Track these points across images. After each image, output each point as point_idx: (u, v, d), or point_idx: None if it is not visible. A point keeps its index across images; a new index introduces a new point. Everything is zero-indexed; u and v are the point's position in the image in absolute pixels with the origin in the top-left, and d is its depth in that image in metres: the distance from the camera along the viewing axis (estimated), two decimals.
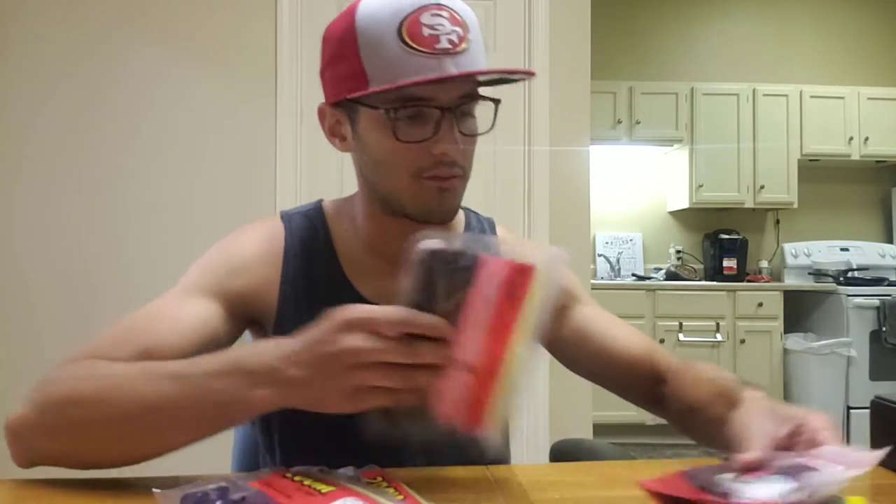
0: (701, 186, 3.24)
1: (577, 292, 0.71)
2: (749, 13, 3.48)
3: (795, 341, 2.94)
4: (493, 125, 0.62)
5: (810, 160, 3.28)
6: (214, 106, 1.83)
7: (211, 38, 1.84)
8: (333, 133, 0.63)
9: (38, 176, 1.80)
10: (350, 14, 0.58)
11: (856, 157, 3.27)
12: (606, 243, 3.42)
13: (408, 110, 0.57)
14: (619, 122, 3.24)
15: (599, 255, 3.38)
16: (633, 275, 3.32)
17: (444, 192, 0.60)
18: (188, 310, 0.59)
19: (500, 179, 1.91)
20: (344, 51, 0.57)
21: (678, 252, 3.41)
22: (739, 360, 2.96)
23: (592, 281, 2.89)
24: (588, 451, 0.74)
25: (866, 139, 3.25)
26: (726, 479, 0.43)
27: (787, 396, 2.98)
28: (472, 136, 0.61)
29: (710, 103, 3.24)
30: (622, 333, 0.70)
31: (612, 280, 3.26)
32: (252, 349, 0.47)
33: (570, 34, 1.91)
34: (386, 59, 0.55)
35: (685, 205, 3.30)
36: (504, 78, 0.60)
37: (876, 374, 2.83)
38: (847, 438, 2.85)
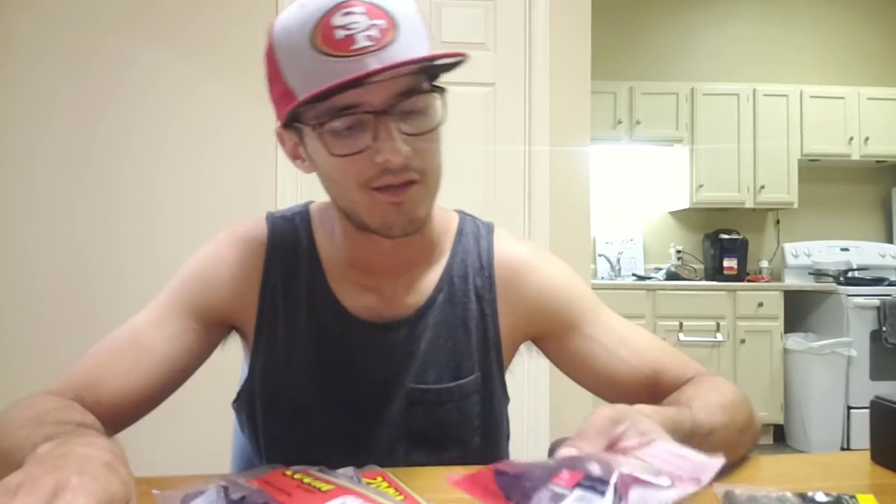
0: (701, 186, 3.23)
1: (583, 306, 0.64)
2: (749, 13, 3.48)
3: (796, 341, 2.94)
4: (441, 119, 0.56)
5: (810, 160, 3.28)
6: (215, 106, 1.83)
7: (212, 38, 1.84)
8: (294, 155, 0.60)
9: (39, 176, 1.80)
10: (269, 32, 0.54)
11: (856, 157, 3.27)
12: (607, 243, 3.42)
13: (339, 121, 0.52)
14: (620, 122, 3.23)
15: (600, 255, 3.38)
16: (634, 275, 3.32)
17: (401, 205, 0.55)
18: (160, 329, 0.59)
19: (501, 179, 1.91)
20: (271, 72, 0.55)
21: (678, 252, 3.41)
22: (739, 360, 2.96)
23: (593, 281, 2.89)
24: None
25: (866, 139, 3.25)
26: (535, 484, 0.36)
27: (788, 396, 2.98)
28: (418, 135, 0.54)
29: (711, 103, 3.23)
30: (629, 352, 0.63)
31: (612, 280, 3.26)
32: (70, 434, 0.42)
33: (570, 34, 1.91)
34: (305, 72, 0.52)
35: (685, 205, 3.30)
36: (446, 64, 0.54)
37: (876, 373, 2.83)
38: (847, 438, 2.85)
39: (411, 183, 0.55)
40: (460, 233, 0.67)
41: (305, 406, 0.62)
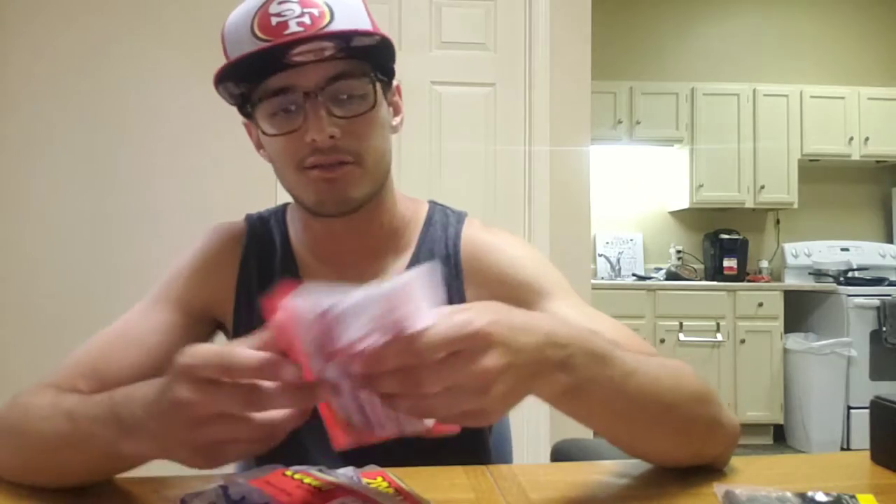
0: (701, 186, 3.24)
1: (545, 288, 0.62)
2: (749, 13, 3.48)
3: (796, 341, 2.94)
4: (374, 103, 0.57)
5: (810, 160, 3.28)
6: (216, 106, 1.82)
7: (212, 38, 1.84)
8: (257, 145, 0.64)
9: (39, 175, 1.80)
10: (223, 26, 0.59)
11: (856, 157, 3.27)
12: (607, 243, 3.42)
13: (270, 103, 0.56)
14: (620, 122, 3.24)
15: (600, 255, 3.38)
16: (634, 275, 3.32)
17: (332, 182, 0.56)
18: (148, 323, 0.60)
19: (501, 179, 1.91)
20: (222, 69, 0.57)
21: (678, 252, 3.41)
22: (740, 360, 2.96)
23: (593, 281, 2.89)
24: (588, 450, 0.73)
25: (866, 139, 3.25)
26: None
27: (788, 396, 2.98)
28: (348, 118, 0.56)
29: (711, 103, 3.23)
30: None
31: (612, 280, 3.26)
32: (129, 389, 0.42)
33: (570, 34, 1.91)
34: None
35: (685, 205, 3.30)
36: (380, 49, 0.56)
37: (876, 373, 2.83)
38: (847, 438, 2.85)
39: (344, 164, 0.56)
40: (428, 222, 0.67)
41: None
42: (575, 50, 1.91)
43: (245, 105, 0.59)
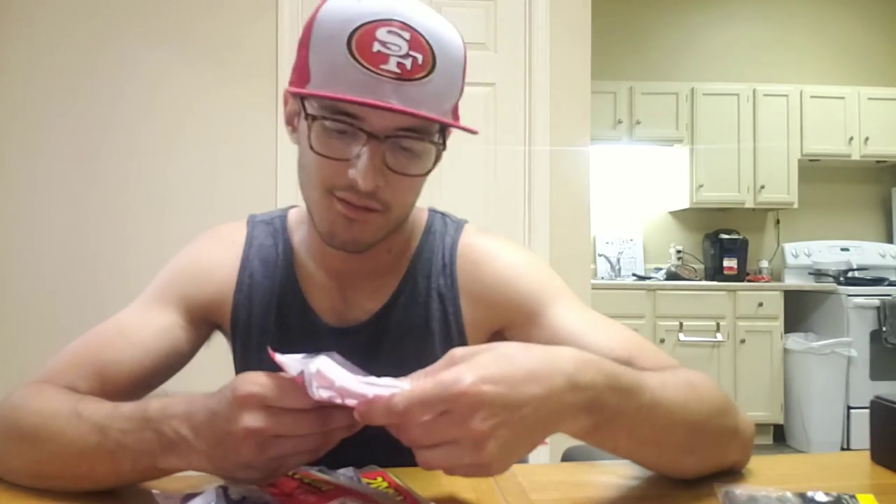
0: (701, 186, 3.23)
1: (544, 295, 0.60)
2: (749, 13, 3.48)
3: (796, 341, 2.94)
4: (429, 170, 0.55)
5: (810, 160, 3.28)
6: (215, 106, 1.83)
7: (212, 38, 1.84)
8: (289, 121, 0.60)
9: (44, 176, 1.80)
10: (318, 6, 0.54)
11: (856, 157, 3.26)
12: (607, 243, 3.42)
13: (334, 123, 0.52)
14: (620, 122, 3.23)
15: (600, 255, 3.38)
16: (634, 275, 3.32)
17: (353, 222, 0.54)
18: (147, 322, 0.59)
19: (501, 179, 1.91)
20: (303, 41, 0.54)
21: (678, 252, 3.41)
22: (740, 360, 2.96)
23: (593, 281, 2.89)
24: (599, 457, 0.73)
25: (866, 139, 3.24)
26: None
27: (788, 396, 2.97)
28: (400, 174, 0.53)
29: (711, 103, 3.23)
30: (599, 338, 0.57)
31: (612, 280, 3.26)
32: (163, 405, 0.43)
33: (570, 34, 1.91)
34: (328, 63, 0.51)
35: (685, 205, 3.30)
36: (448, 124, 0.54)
37: (876, 373, 2.83)
38: (847, 438, 2.85)
39: (370, 210, 0.54)
40: (427, 231, 0.66)
41: None
42: (575, 50, 1.91)
43: (304, 98, 0.55)
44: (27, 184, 1.80)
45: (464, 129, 0.53)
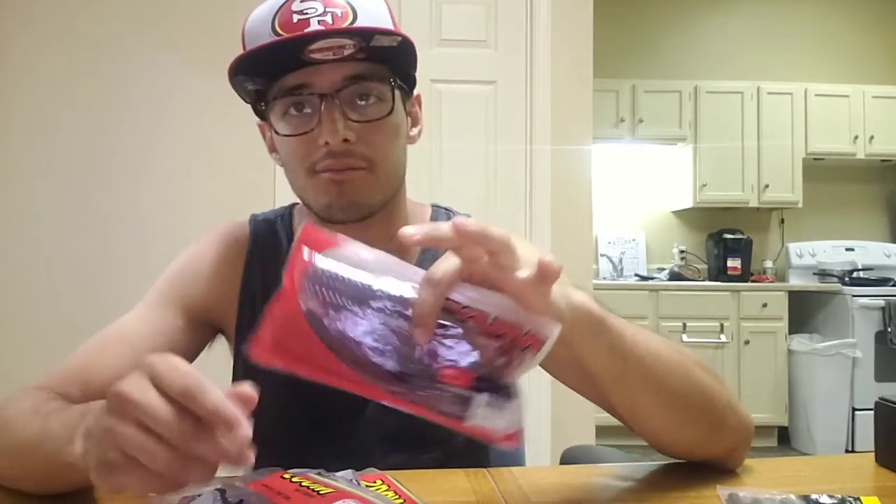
0: (705, 185, 3.22)
1: None
2: (753, 11, 3.46)
3: (800, 342, 2.93)
4: (391, 109, 0.56)
5: (815, 159, 3.26)
6: (215, 107, 1.83)
7: (211, 38, 1.85)
8: (271, 148, 0.62)
9: (42, 177, 1.81)
10: (244, 23, 0.58)
11: (861, 155, 3.25)
12: (609, 243, 3.41)
13: (284, 101, 0.55)
14: (622, 120, 3.22)
15: (602, 255, 3.37)
16: (636, 275, 3.31)
17: (342, 185, 0.55)
18: (146, 326, 0.59)
19: (502, 179, 1.90)
20: (237, 64, 0.56)
21: (682, 252, 3.39)
22: (744, 360, 2.95)
23: (595, 281, 2.88)
24: (597, 457, 0.72)
25: (871, 138, 3.23)
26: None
27: (792, 398, 2.96)
28: (363, 122, 0.55)
29: (714, 101, 3.22)
30: None
31: (614, 280, 3.25)
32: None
33: (572, 31, 1.90)
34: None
35: (689, 204, 3.29)
36: (399, 54, 0.54)
37: (881, 374, 2.81)
38: (852, 440, 2.83)
39: (355, 169, 0.55)
40: None
41: (281, 408, 0.61)
42: (577, 47, 1.90)
43: (259, 103, 0.58)
44: (30, 186, 1.81)
45: (386, 31, 0.53)
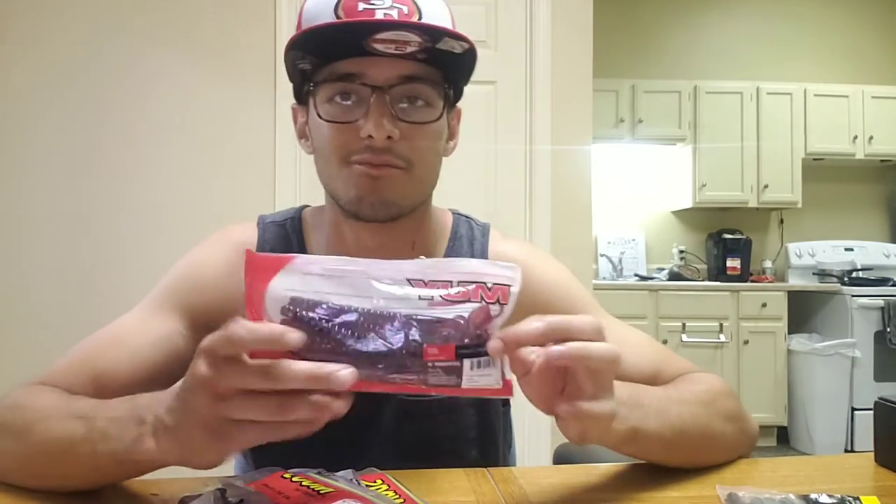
0: (704, 186, 3.22)
1: (582, 308, 0.62)
2: (753, 11, 3.47)
3: (799, 342, 2.93)
4: (440, 115, 0.56)
5: (814, 159, 3.26)
6: (214, 105, 1.83)
7: (211, 37, 1.85)
8: (301, 133, 0.61)
9: (39, 176, 1.80)
10: (301, 6, 0.57)
11: (860, 156, 3.25)
12: (609, 243, 3.41)
13: (334, 86, 0.53)
14: (622, 120, 3.23)
15: (601, 255, 3.37)
16: (636, 275, 3.31)
17: (376, 180, 0.54)
18: (146, 329, 0.58)
19: (501, 179, 1.90)
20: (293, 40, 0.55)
21: (681, 252, 3.40)
22: (743, 360, 2.95)
23: (594, 281, 2.88)
24: (590, 454, 0.72)
25: (871, 138, 3.23)
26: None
27: (791, 398, 2.96)
28: (410, 122, 0.54)
29: (714, 102, 3.22)
30: (629, 355, 0.56)
31: (614, 280, 3.26)
32: (152, 395, 0.42)
33: (571, 32, 1.90)
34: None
35: (688, 204, 3.29)
36: (443, 51, 0.53)
37: (880, 374, 2.82)
38: (851, 440, 2.83)
39: (391, 167, 0.54)
40: (454, 236, 0.65)
41: None
42: (576, 47, 1.90)
43: (304, 83, 0.56)
44: (23, 181, 1.80)
45: (458, 35, 0.52)
